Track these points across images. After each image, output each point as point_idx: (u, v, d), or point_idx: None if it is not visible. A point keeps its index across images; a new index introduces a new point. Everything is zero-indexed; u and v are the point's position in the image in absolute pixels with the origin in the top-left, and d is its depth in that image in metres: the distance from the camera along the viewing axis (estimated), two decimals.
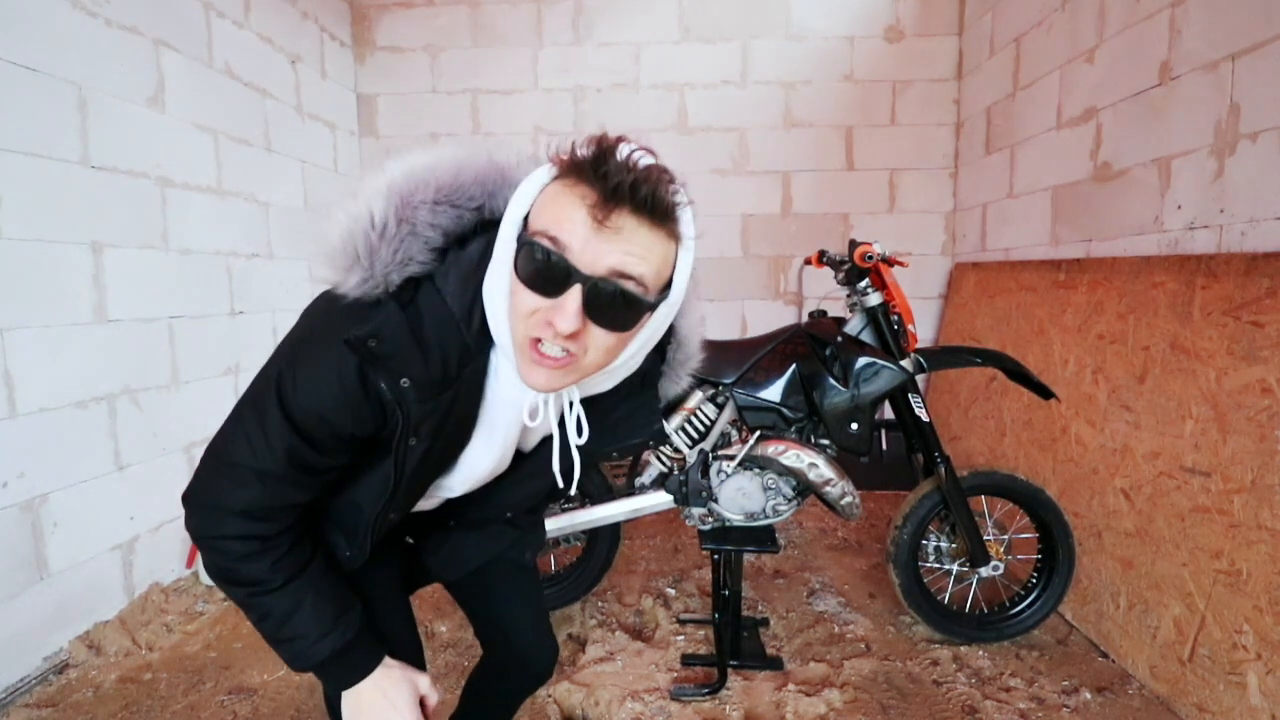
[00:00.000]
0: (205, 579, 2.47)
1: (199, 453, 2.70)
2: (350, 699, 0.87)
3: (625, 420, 0.93)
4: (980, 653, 2.04)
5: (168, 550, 2.44)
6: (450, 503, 1.02)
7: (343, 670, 0.86)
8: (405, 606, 1.05)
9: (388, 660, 0.89)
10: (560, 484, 0.91)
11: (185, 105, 2.46)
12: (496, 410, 0.84)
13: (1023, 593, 2.12)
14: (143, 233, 2.28)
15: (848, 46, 3.62)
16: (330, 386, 0.73)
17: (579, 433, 0.83)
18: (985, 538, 2.06)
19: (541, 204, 0.70)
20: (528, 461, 0.96)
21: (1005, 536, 2.13)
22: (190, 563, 2.52)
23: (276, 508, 0.79)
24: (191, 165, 2.50)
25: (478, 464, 0.89)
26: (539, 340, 0.69)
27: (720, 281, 3.76)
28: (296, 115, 3.18)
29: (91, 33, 2.08)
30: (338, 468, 0.82)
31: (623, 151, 0.66)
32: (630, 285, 0.67)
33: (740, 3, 3.61)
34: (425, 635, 2.15)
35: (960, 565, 2.09)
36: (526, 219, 0.71)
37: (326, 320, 0.76)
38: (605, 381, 0.84)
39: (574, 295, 0.66)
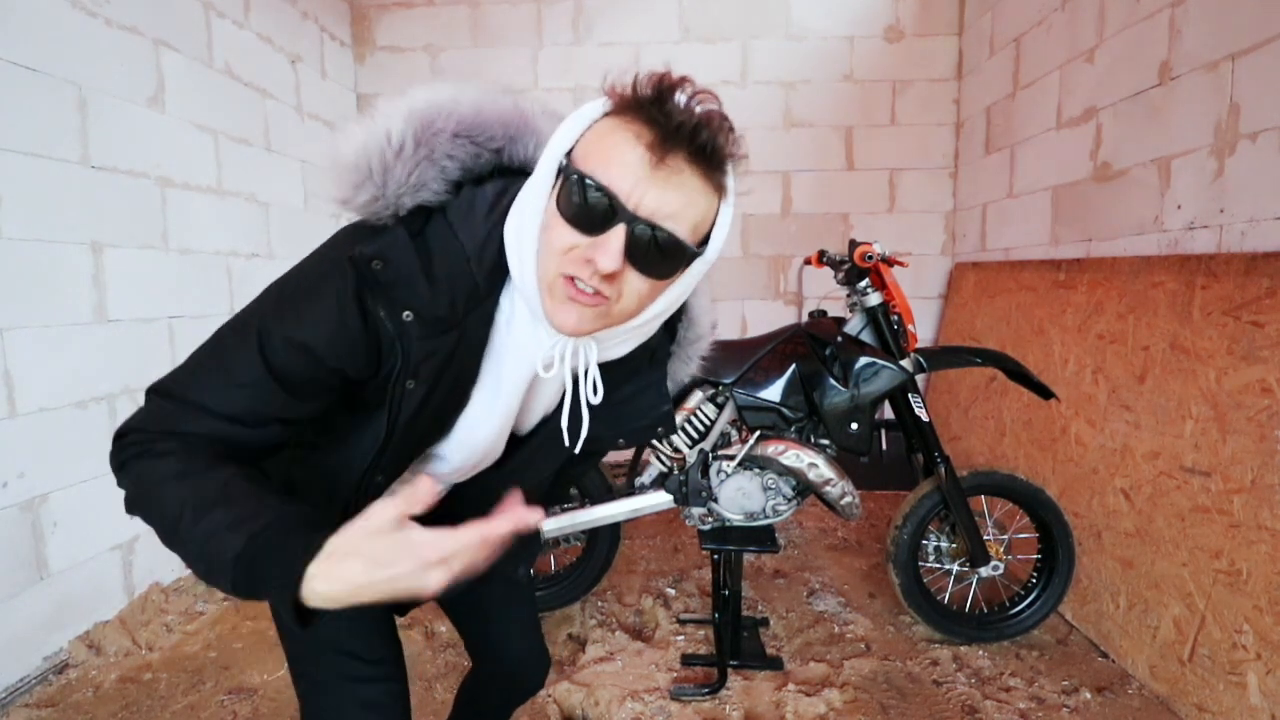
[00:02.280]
0: None
1: None
2: (335, 589, 0.58)
3: (632, 401, 0.87)
4: (980, 653, 2.04)
5: (167, 550, 2.43)
6: (448, 501, 0.99)
7: (278, 553, 0.60)
8: (388, 624, 0.98)
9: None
10: (567, 442, 0.83)
11: (185, 105, 2.46)
12: (504, 361, 0.78)
13: (1023, 593, 2.12)
14: (143, 233, 2.28)
15: (847, 46, 3.62)
16: (326, 312, 0.68)
17: (594, 391, 0.78)
18: (985, 538, 2.06)
19: (592, 138, 0.66)
20: (524, 447, 0.90)
21: (1005, 536, 2.13)
22: None
23: (226, 444, 0.68)
24: (191, 165, 2.50)
25: (476, 429, 0.82)
26: (573, 278, 0.65)
27: (720, 281, 3.76)
28: (296, 115, 3.18)
29: (91, 33, 2.08)
30: (308, 420, 0.73)
31: (686, 92, 0.63)
32: (672, 228, 0.65)
33: (740, 3, 3.61)
34: (425, 635, 2.15)
35: (960, 565, 2.09)
36: (570, 153, 0.67)
37: (329, 245, 0.72)
38: (622, 344, 0.80)
39: (618, 234, 0.63)
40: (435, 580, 0.58)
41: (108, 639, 2.06)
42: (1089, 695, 1.83)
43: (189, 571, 2.50)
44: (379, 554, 0.58)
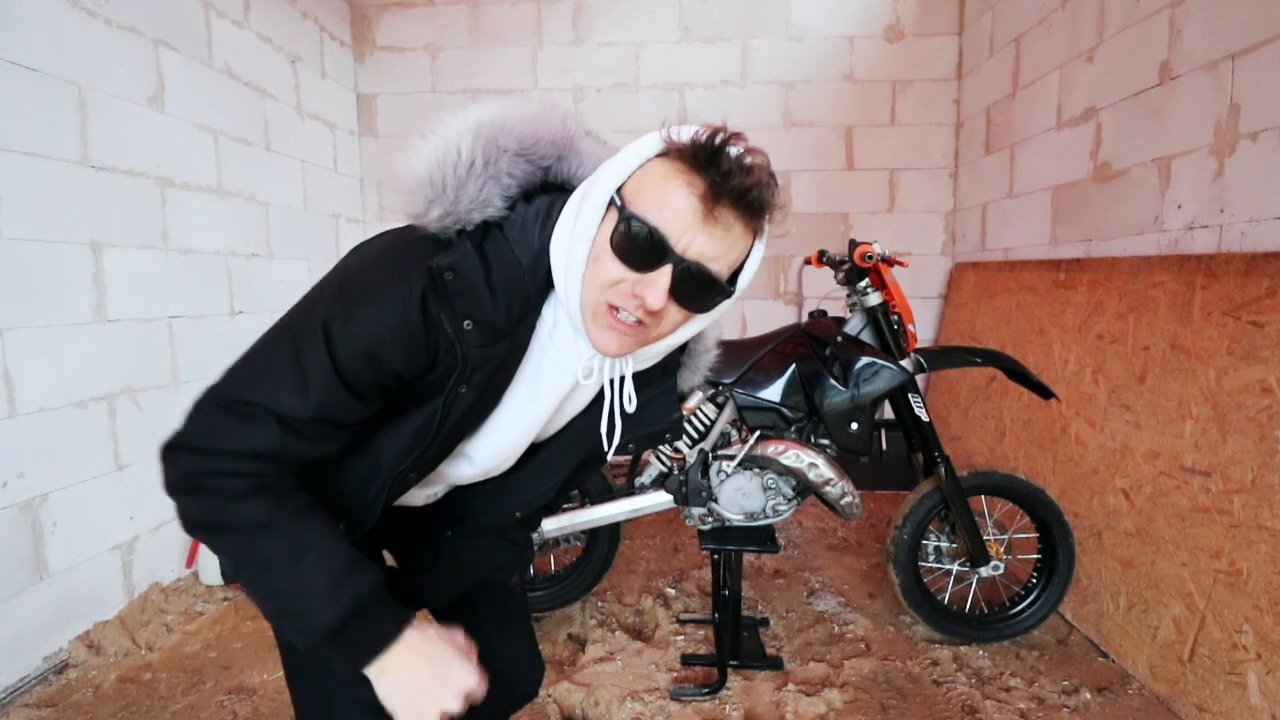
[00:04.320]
0: (205, 579, 2.47)
1: None
2: (384, 676, 0.72)
3: (644, 408, 0.91)
4: (980, 653, 2.04)
5: (168, 550, 2.44)
6: (457, 505, 0.99)
7: (364, 634, 0.71)
8: None
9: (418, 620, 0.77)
10: (605, 446, 0.89)
11: (185, 105, 2.46)
12: (543, 370, 0.82)
13: (1023, 593, 2.12)
14: (143, 233, 2.28)
15: (847, 46, 3.62)
16: (392, 316, 0.70)
17: (630, 400, 0.84)
18: (985, 538, 2.06)
19: (645, 180, 0.71)
20: (540, 453, 0.95)
21: (1005, 536, 2.13)
22: (190, 562, 2.52)
23: (289, 459, 0.71)
24: (191, 165, 2.50)
25: (504, 432, 0.85)
26: (615, 308, 0.71)
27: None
28: (296, 115, 3.18)
29: (91, 33, 2.07)
30: (361, 423, 0.76)
31: (739, 147, 0.69)
32: (715, 270, 0.70)
33: (740, 3, 3.61)
34: None
35: (960, 565, 2.09)
36: (621, 188, 0.71)
37: (395, 251, 0.75)
38: (652, 360, 0.86)
39: (665, 274, 0.68)
40: (455, 705, 0.73)
41: (108, 639, 2.06)
42: (1089, 695, 1.83)
43: (189, 571, 2.50)
44: (442, 667, 0.74)
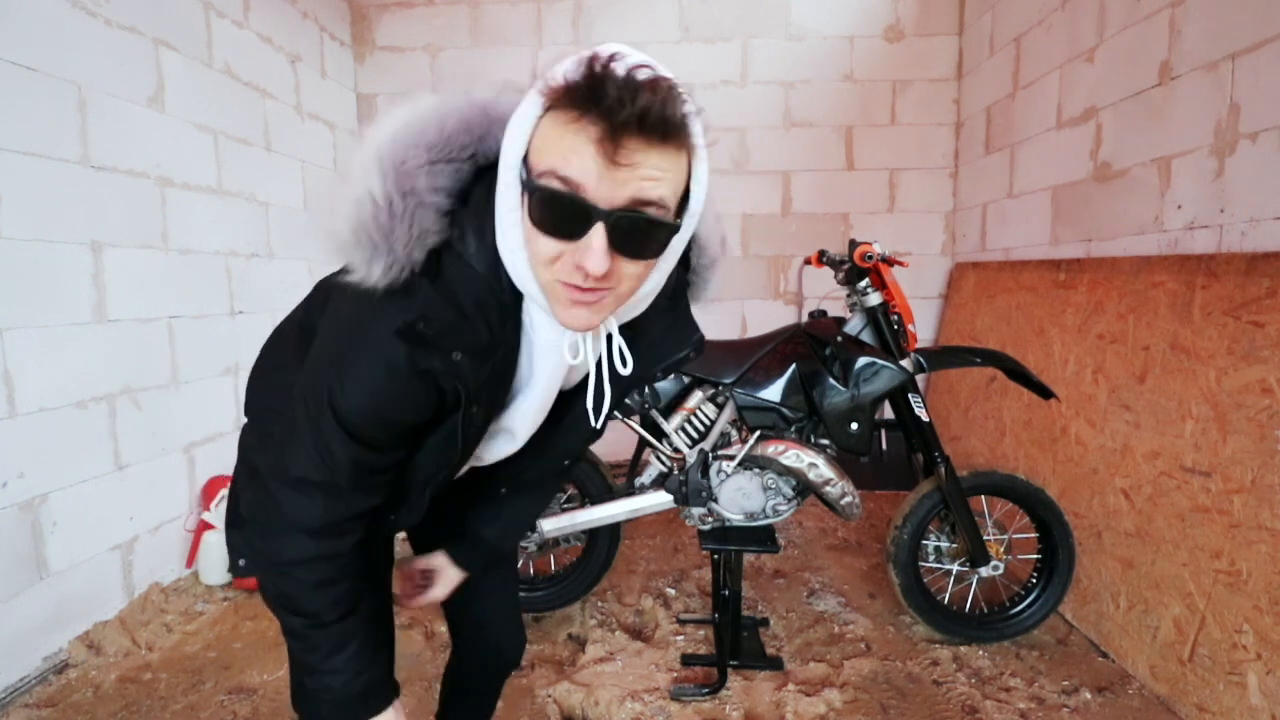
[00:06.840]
0: (205, 579, 2.47)
1: (199, 453, 2.68)
2: None
3: (665, 337, 0.90)
4: (980, 653, 2.04)
5: (168, 550, 2.44)
6: (506, 466, 1.01)
7: (363, 706, 0.86)
8: (389, 622, 1.07)
9: (396, 704, 0.90)
10: (593, 420, 0.87)
11: (185, 105, 2.46)
12: (534, 358, 0.81)
13: (1023, 593, 2.12)
14: (143, 233, 2.28)
15: (847, 46, 3.62)
16: (380, 382, 0.71)
17: (623, 362, 0.79)
18: (985, 538, 2.06)
19: (542, 141, 0.63)
20: (558, 425, 0.94)
21: (1005, 536, 2.13)
22: (190, 562, 2.52)
23: (348, 518, 0.79)
24: (191, 165, 2.50)
25: (515, 419, 0.88)
26: (570, 283, 0.66)
27: (720, 281, 3.75)
28: (296, 115, 3.18)
29: (91, 33, 2.07)
30: (400, 462, 0.82)
31: (619, 71, 0.58)
32: (652, 211, 0.63)
33: (740, 3, 3.61)
34: (425, 635, 2.15)
35: (960, 565, 2.09)
36: (525, 158, 0.65)
37: (362, 318, 0.72)
38: (636, 309, 0.80)
39: (598, 233, 0.61)
40: None
41: (108, 639, 2.06)
42: (1089, 695, 1.83)
43: (189, 571, 2.50)
44: None
